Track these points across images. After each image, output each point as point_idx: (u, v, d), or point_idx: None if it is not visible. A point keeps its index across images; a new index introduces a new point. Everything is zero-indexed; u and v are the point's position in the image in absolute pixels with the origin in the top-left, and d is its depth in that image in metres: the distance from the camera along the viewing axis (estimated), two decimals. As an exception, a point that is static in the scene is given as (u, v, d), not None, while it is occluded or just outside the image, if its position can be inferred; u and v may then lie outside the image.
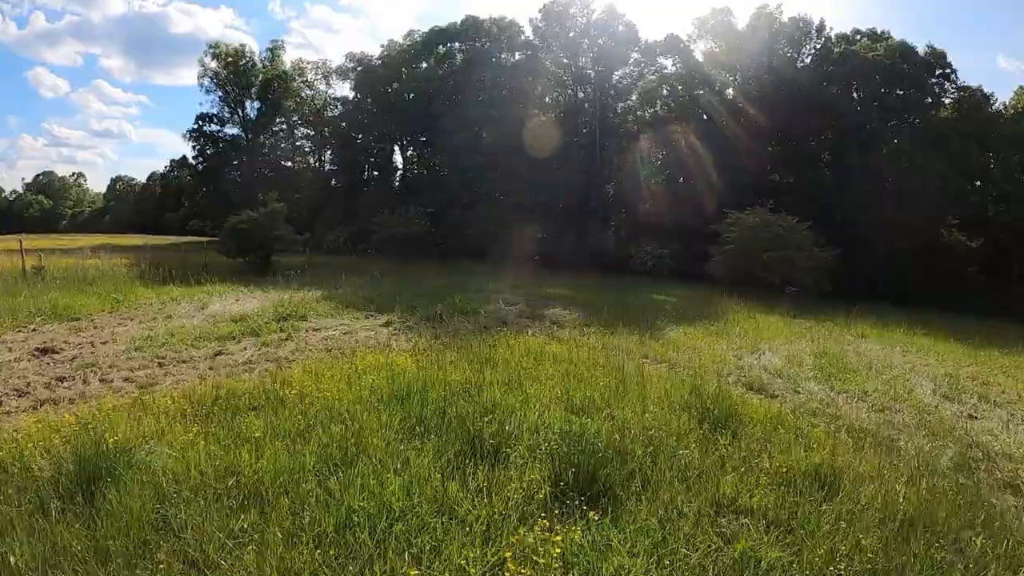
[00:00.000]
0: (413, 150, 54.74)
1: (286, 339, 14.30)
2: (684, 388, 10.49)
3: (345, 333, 15.28)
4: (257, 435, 7.29)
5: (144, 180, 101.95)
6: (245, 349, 13.34)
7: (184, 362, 12.22)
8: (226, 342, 13.88)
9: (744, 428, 8.67)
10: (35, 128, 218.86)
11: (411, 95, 49.69)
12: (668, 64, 51.41)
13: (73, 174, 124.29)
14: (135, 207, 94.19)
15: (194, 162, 60.66)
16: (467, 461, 6.75)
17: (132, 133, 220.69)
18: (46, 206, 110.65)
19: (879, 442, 9.24)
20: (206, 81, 57.81)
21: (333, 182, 55.93)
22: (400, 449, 7.08)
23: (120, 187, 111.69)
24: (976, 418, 11.50)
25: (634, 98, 51.94)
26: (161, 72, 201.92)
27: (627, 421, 8.31)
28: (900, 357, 17.23)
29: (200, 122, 58.22)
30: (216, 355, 12.80)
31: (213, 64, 57.68)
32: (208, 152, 58.55)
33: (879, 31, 48.09)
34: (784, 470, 7.14)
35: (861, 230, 40.58)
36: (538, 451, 7.10)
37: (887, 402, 11.82)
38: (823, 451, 7.93)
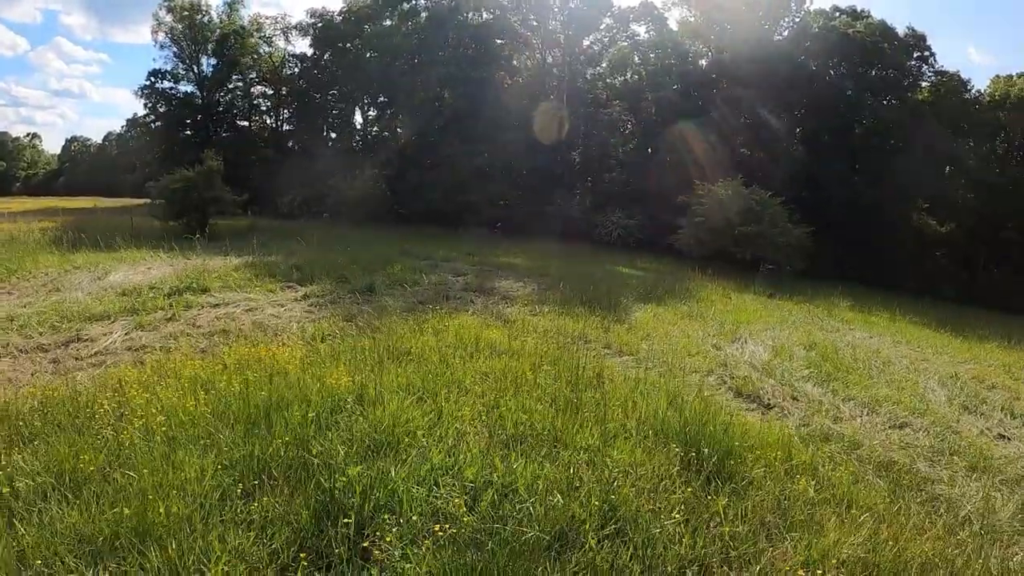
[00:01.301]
0: (374, 111, 51.08)
1: (169, 319, 11.27)
2: (658, 398, 7.67)
3: (247, 310, 12.20)
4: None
5: (100, 141, 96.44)
6: (110, 333, 10.34)
7: (26, 352, 9.44)
8: (93, 324, 10.81)
9: (745, 470, 5.82)
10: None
11: (372, 53, 45.82)
12: (641, 31, 48.27)
13: (28, 135, 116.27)
14: (90, 169, 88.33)
15: (145, 120, 56.06)
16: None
17: (93, 92, 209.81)
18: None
19: (918, 485, 6.62)
20: (160, 36, 53.11)
21: (291, 143, 51.86)
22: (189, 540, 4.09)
23: (75, 148, 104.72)
24: (1007, 438, 9.22)
25: (604, 65, 48.72)
26: (122, 29, 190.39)
27: (579, 465, 5.38)
28: (893, 349, 14.87)
29: (152, 78, 53.32)
30: (68, 343, 9.77)
31: (168, 18, 52.82)
32: (160, 110, 54.10)
33: (859, 9, 45.41)
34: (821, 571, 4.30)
35: (832, 209, 38.12)
36: (421, 544, 4.13)
37: (904, 416, 9.32)
38: (863, 523, 5.12)
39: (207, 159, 28.64)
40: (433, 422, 6.35)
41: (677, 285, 20.33)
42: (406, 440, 5.81)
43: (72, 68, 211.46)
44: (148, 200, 32.17)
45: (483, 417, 6.50)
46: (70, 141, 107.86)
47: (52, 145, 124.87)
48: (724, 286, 21.59)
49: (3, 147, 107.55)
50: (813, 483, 5.94)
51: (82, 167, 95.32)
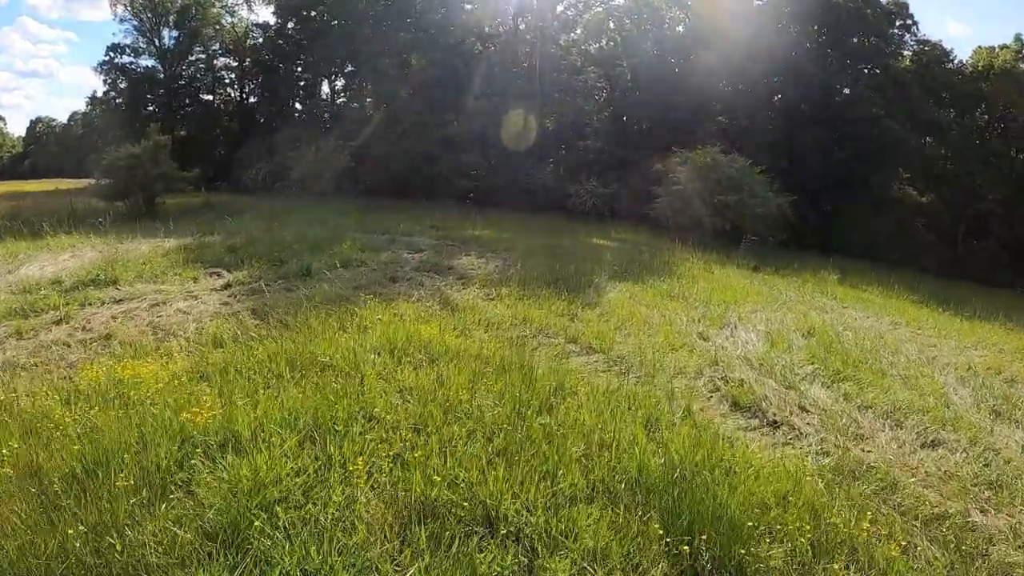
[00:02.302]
0: (341, 81, 48.04)
1: (57, 322, 9.15)
2: (632, 420, 5.63)
3: (153, 305, 10.03)
4: None
5: (65, 121, 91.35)
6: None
7: None
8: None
9: (759, 563, 3.83)
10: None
11: (338, 21, 42.83)
12: (617, -4, 45.59)
13: None
14: (56, 150, 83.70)
15: (106, 98, 52.66)
16: None
17: (60, 72, 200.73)
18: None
19: (981, 550, 4.91)
20: (119, 9, 49.41)
21: (257, 117, 48.79)
22: None
23: (41, 129, 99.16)
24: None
25: (579, 31, 46.19)
26: (88, 6, 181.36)
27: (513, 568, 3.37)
28: (895, 333, 13.07)
29: (111, 53, 49.58)
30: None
31: (128, -10, 49.39)
32: (121, 86, 50.65)
33: (841, -26, 43.04)
34: None
35: (812, 178, 36.21)
36: None
37: (933, 429, 7.40)
38: None
39: (152, 133, 26.09)
40: (313, 481, 4.30)
41: (655, 259, 18.30)
42: (258, 524, 3.75)
43: (38, 48, 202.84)
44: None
45: (387, 470, 4.46)
46: (35, 122, 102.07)
47: (19, 127, 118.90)
48: (705, 259, 19.62)
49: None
50: (853, 566, 3.99)
51: (48, 148, 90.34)
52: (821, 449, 6.45)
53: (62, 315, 9.27)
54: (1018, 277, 34.12)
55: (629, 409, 6.02)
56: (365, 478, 4.32)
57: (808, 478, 5.28)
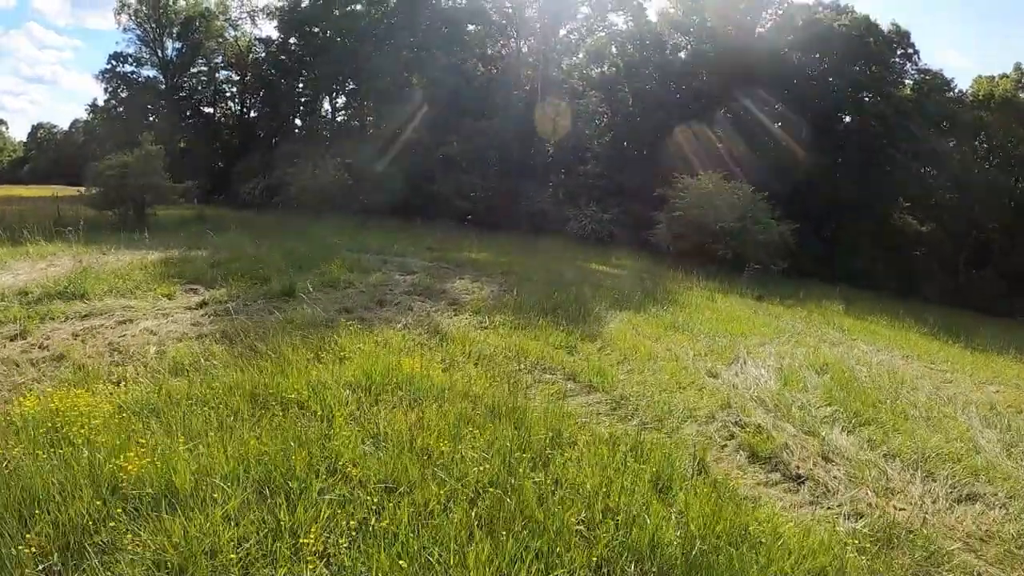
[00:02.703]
0: (342, 98, 47.54)
1: (13, 338, 8.33)
2: (641, 477, 4.79)
3: (120, 322, 9.20)
4: None
5: (67, 128, 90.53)
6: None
7: None
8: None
9: None
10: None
11: (341, 38, 42.35)
12: (619, 22, 45.16)
13: None
14: (56, 156, 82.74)
15: (107, 106, 52.02)
16: None
17: (65, 79, 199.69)
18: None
19: None
20: (124, 18, 49.12)
21: (258, 131, 48.13)
22: None
23: (42, 135, 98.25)
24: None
25: (581, 55, 45.80)
26: (95, 14, 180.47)
27: None
28: (908, 367, 12.30)
29: (113, 62, 49.29)
30: None
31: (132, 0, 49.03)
32: (122, 95, 50.15)
33: (842, 3, 42.86)
34: None
35: (814, 206, 35.58)
36: None
37: (966, 480, 6.66)
38: None
39: (144, 142, 25.34)
40: (255, 555, 3.47)
41: (657, 287, 17.54)
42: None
43: (45, 54, 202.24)
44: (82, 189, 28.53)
45: (345, 546, 3.62)
46: (36, 128, 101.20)
47: (21, 133, 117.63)
48: (708, 287, 18.89)
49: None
50: None
51: (48, 154, 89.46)
52: (852, 509, 5.64)
53: (20, 330, 8.46)
54: (1016, 306, 33.51)
55: (636, 462, 5.19)
56: (318, 556, 3.49)
57: (848, 553, 4.46)
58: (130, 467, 4.24)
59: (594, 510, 4.30)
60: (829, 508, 5.58)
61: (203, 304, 10.43)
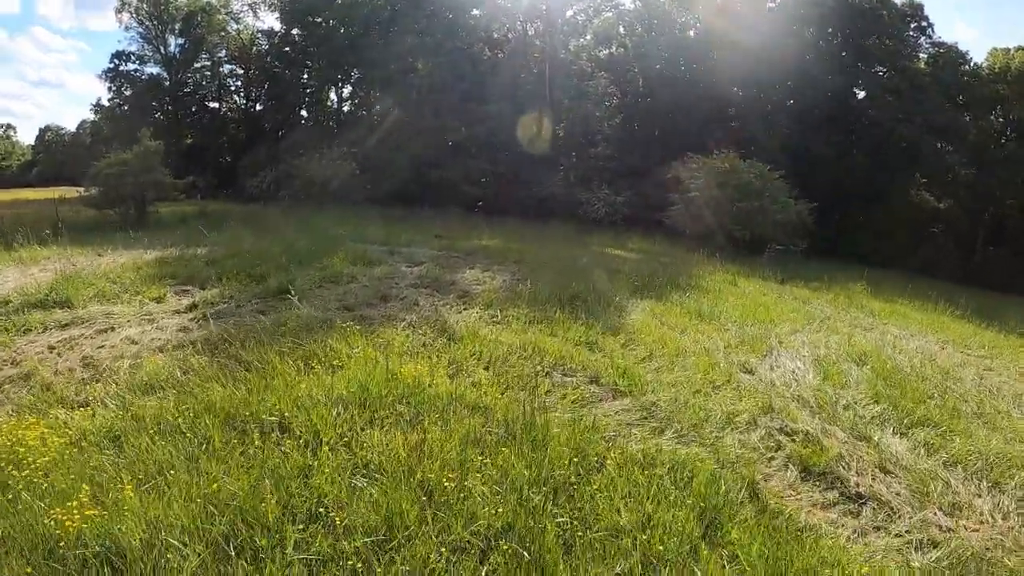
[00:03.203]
0: (348, 88, 46.60)
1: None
2: (683, 510, 4.02)
3: (101, 331, 8.43)
4: None
5: (74, 130, 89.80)
6: None
7: None
8: None
9: None
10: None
11: (344, 27, 41.38)
12: (626, 1, 44.15)
13: (2, 126, 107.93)
14: (64, 158, 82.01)
15: (112, 105, 50.97)
16: None
17: (71, 81, 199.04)
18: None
19: None
20: (125, 17, 48.18)
21: (264, 124, 47.26)
22: None
23: (50, 137, 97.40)
24: None
25: (588, 37, 44.64)
26: (97, 15, 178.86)
27: None
28: (946, 355, 11.32)
29: (116, 61, 48.39)
30: None
31: (133, -2, 48.08)
32: (126, 94, 49.22)
33: (854, -24, 41.31)
34: None
35: (828, 184, 34.36)
36: None
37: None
38: None
39: (143, 139, 24.64)
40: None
41: (675, 271, 16.60)
42: None
43: (50, 57, 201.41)
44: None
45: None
46: (44, 131, 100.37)
47: (29, 136, 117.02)
48: (728, 271, 17.96)
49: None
50: None
51: (56, 157, 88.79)
52: (924, 536, 4.80)
53: (-8, 344, 7.75)
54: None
55: (677, 488, 4.37)
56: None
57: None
58: (69, 523, 3.46)
59: (632, 560, 3.48)
60: (898, 535, 4.75)
61: (193, 307, 9.65)
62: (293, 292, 10.41)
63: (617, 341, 8.64)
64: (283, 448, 4.47)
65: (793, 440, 5.94)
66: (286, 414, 4.99)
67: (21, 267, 13.05)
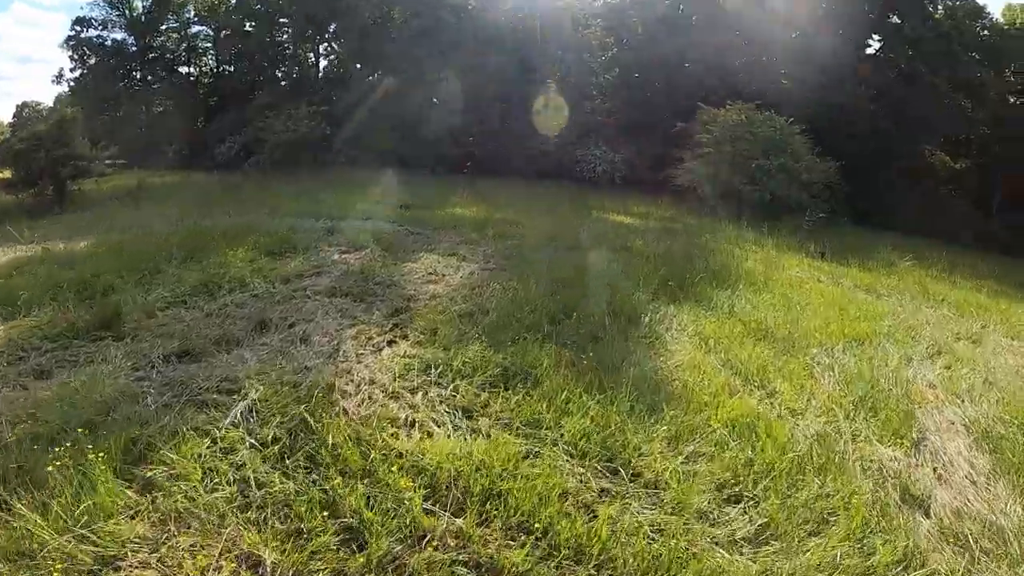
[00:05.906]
0: (324, 43, 41.27)
1: None
2: None
3: None
4: None
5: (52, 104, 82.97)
6: None
7: None
8: None
9: None
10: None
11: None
12: (622, -60, 38.55)
13: None
14: (40, 134, 76.41)
15: (72, 76, 44.56)
16: None
17: (54, 57, 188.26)
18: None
19: None
20: (88, -22, 42.49)
21: (236, 87, 41.88)
22: None
23: (27, 113, 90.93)
24: None
25: (582, -20, 39.29)
26: None
27: None
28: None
29: (78, 27, 42.20)
30: None
31: (95, -45, 42.19)
32: (90, 63, 42.67)
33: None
34: None
35: (842, 140, 29.63)
36: None
37: None
38: None
39: (61, 107, 20.20)
40: None
41: (701, 248, 12.26)
42: None
43: (34, 32, 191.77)
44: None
45: None
46: (21, 107, 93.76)
47: (6, 113, 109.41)
48: (761, 243, 13.74)
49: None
50: None
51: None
52: None
53: None
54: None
55: None
56: None
57: None
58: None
59: None
60: None
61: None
62: (123, 318, 6.22)
63: (657, 436, 4.40)
64: None
65: None
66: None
67: None
